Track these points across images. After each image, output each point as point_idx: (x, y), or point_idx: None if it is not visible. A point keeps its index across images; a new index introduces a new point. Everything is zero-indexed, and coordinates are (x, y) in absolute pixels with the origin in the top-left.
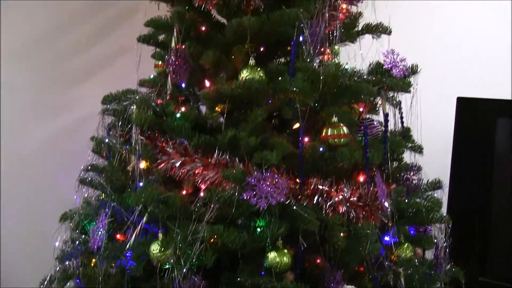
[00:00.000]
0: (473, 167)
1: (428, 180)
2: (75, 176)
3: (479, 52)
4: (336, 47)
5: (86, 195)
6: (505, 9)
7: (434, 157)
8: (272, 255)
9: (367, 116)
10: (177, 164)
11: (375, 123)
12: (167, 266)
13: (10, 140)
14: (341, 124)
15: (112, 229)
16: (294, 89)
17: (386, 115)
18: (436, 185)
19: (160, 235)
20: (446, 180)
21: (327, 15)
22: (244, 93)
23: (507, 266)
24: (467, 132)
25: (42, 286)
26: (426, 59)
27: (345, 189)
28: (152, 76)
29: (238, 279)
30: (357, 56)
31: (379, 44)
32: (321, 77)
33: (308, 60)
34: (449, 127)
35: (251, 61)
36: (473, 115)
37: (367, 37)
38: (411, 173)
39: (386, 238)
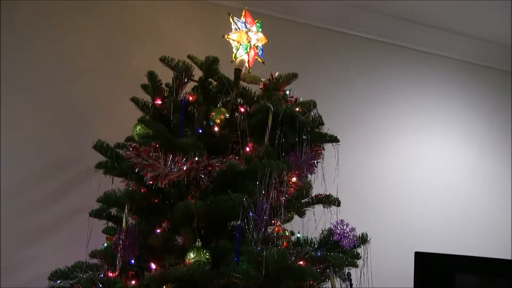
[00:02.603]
0: None
1: None
2: None
3: (437, 209)
4: (292, 213)
5: None
6: (458, 164)
7: None
8: None
9: None
10: None
11: None
12: None
13: None
14: None
15: None
16: (237, 275)
17: None
18: None
19: None
20: None
21: (274, 191)
22: (188, 277)
23: None
24: (426, 286)
25: None
26: (383, 218)
27: None
28: (104, 246)
29: None
30: (311, 221)
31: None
32: (264, 262)
33: (253, 242)
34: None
35: (198, 243)
36: (431, 269)
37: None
38: None
39: None
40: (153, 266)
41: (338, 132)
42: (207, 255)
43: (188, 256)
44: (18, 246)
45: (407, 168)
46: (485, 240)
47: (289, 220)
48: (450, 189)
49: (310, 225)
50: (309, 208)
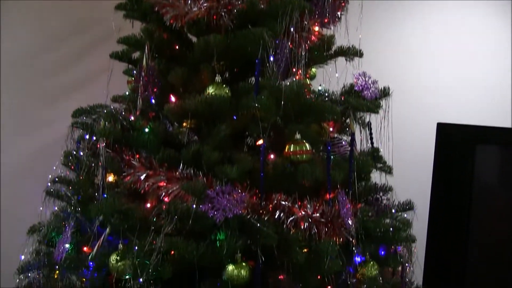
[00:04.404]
0: (453, 192)
1: (399, 201)
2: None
3: (461, 78)
4: (314, 69)
5: (55, 208)
6: (486, 36)
7: (412, 179)
8: (230, 268)
9: (336, 135)
10: (142, 177)
11: (343, 142)
12: (127, 277)
13: None
14: (304, 141)
15: (78, 241)
16: (256, 105)
17: (352, 134)
18: (407, 206)
19: (120, 246)
20: (423, 203)
21: (296, 35)
22: (207, 108)
23: None
24: (447, 157)
25: None
26: (407, 84)
27: (308, 206)
28: (126, 93)
29: None
30: (333, 78)
31: (356, 66)
32: (284, 95)
33: (273, 78)
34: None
35: (217, 78)
36: (453, 140)
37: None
38: (381, 194)
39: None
40: (172, 99)
41: None
42: (227, 90)
43: (208, 90)
44: (42, 104)
45: (431, 36)
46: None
47: (311, 78)
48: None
49: (332, 83)
50: (331, 61)
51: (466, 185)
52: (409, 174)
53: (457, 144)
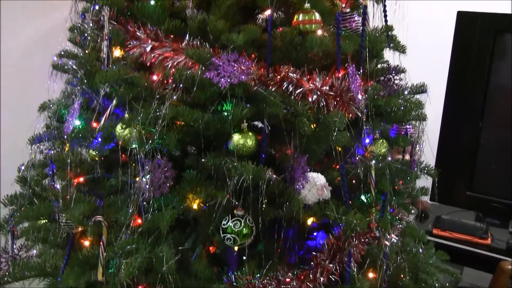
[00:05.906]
0: (469, 80)
1: (412, 84)
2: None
3: None
4: None
5: (64, 86)
6: None
7: (428, 63)
8: (236, 137)
9: (348, 10)
10: (148, 49)
11: (356, 17)
12: (134, 146)
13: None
14: (313, 11)
15: (87, 118)
16: None
17: (364, 7)
18: (420, 88)
19: (126, 115)
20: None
21: None
22: None
23: (494, 180)
24: (466, 46)
25: (20, 173)
26: None
27: (317, 79)
28: None
29: (202, 160)
30: None
31: None
32: None
33: None
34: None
35: None
36: (473, 30)
37: None
38: (394, 74)
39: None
40: None
41: None
42: None
43: None
44: None
45: None
46: None
47: None
48: None
49: None
50: None
51: (484, 74)
52: (425, 59)
53: (477, 33)
